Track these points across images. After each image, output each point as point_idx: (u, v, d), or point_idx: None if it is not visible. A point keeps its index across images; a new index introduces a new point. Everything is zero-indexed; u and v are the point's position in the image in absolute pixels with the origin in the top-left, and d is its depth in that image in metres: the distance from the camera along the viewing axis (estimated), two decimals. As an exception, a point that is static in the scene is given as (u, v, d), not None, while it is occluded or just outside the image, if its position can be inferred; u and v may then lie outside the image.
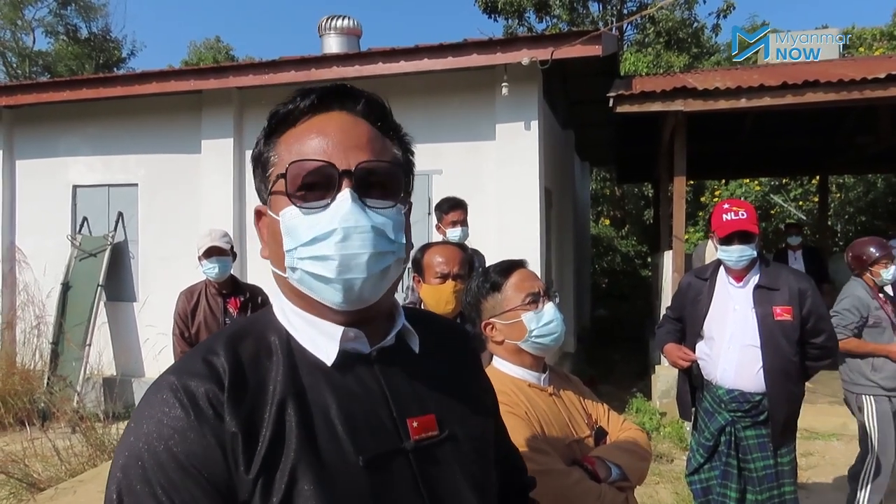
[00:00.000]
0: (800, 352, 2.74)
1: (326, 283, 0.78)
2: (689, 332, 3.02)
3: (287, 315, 0.85)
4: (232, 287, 3.61)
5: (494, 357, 1.65)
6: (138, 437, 0.72)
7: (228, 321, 3.49)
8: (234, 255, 3.59)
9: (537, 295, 1.58)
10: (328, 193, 0.78)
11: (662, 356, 3.21)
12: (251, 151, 0.89)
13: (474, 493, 0.87)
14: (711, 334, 2.90)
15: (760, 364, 2.71)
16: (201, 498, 0.70)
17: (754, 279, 2.80)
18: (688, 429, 5.47)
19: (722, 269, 2.90)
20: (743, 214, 2.73)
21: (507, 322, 1.58)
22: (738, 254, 2.73)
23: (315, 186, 0.79)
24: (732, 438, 2.77)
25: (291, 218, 0.79)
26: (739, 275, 2.82)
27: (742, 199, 13.12)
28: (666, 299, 6.46)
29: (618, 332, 11.08)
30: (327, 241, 0.77)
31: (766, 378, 2.70)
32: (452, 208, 3.79)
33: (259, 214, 0.88)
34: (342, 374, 0.81)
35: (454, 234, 3.74)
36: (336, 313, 0.82)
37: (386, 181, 0.82)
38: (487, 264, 1.77)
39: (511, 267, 1.64)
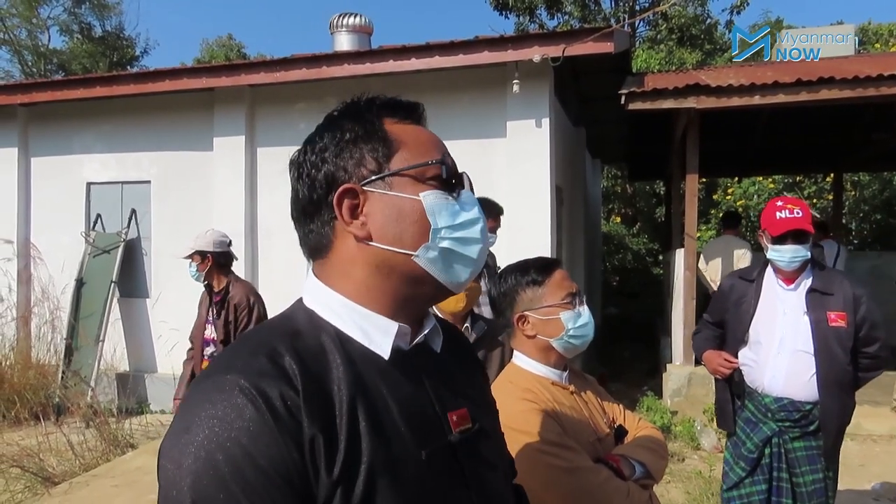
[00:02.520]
0: (853, 360, 2.59)
1: (464, 263, 0.86)
2: (730, 337, 2.83)
3: (333, 308, 0.84)
4: (218, 286, 3.74)
5: (516, 353, 1.65)
6: (206, 439, 0.67)
7: (210, 320, 3.72)
8: (203, 259, 3.66)
9: (575, 295, 1.60)
10: (456, 189, 0.88)
11: (703, 364, 3.01)
12: (336, 135, 0.86)
13: (503, 480, 0.95)
14: (758, 339, 2.71)
15: (813, 371, 2.56)
16: None
17: (806, 282, 2.64)
18: (697, 427, 5.44)
19: (769, 270, 2.74)
20: (798, 213, 2.56)
21: (544, 318, 1.58)
22: (791, 254, 2.57)
23: (454, 180, 0.88)
24: (780, 450, 2.62)
25: (438, 201, 0.84)
26: (790, 277, 2.66)
27: (755, 196, 13.03)
28: (678, 298, 6.42)
29: (629, 330, 11.03)
30: (475, 227, 0.87)
31: (820, 387, 2.55)
32: (492, 214, 3.83)
33: (346, 193, 0.83)
34: (393, 369, 0.83)
35: (491, 238, 3.79)
36: (413, 305, 0.87)
37: None
38: (498, 262, 1.77)
39: (552, 264, 1.66)
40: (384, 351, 0.82)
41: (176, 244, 6.83)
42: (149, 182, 7.05)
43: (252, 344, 0.78)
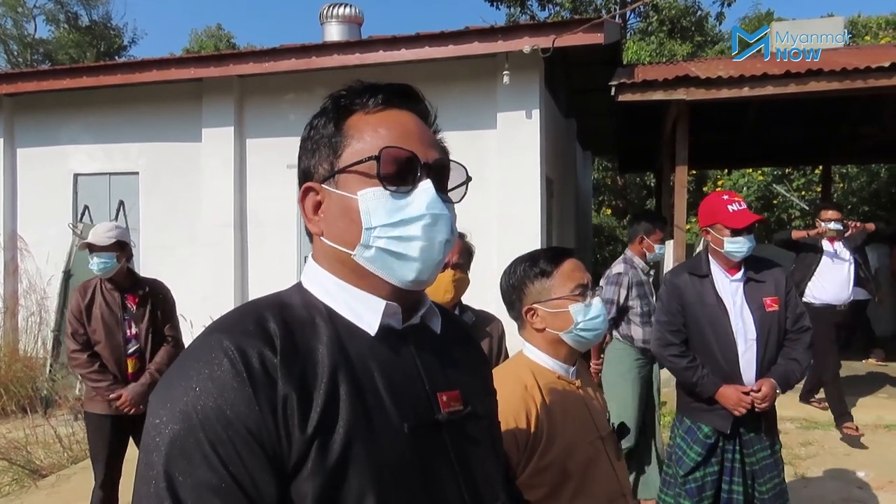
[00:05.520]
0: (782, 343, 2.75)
1: (405, 261, 0.84)
2: (709, 335, 2.76)
3: (327, 287, 0.87)
4: (130, 282, 3.42)
5: (525, 345, 1.61)
6: (184, 392, 0.72)
7: (127, 317, 3.33)
8: (124, 250, 3.34)
9: (586, 287, 1.55)
10: (408, 182, 0.84)
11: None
12: (307, 132, 0.90)
13: (494, 465, 0.95)
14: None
15: (757, 357, 2.68)
16: (248, 457, 0.70)
17: (743, 271, 2.77)
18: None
19: (714, 262, 2.80)
20: (746, 205, 2.71)
21: (553, 310, 1.53)
22: (749, 245, 2.68)
23: (400, 174, 0.84)
24: (734, 434, 2.70)
25: (375, 199, 0.83)
26: (736, 267, 2.77)
27: (745, 189, 13.10)
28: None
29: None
30: (414, 224, 0.83)
31: (758, 370, 2.66)
32: (664, 225, 3.95)
33: (308, 191, 0.88)
34: (381, 345, 0.84)
35: (661, 250, 3.93)
36: (390, 292, 0.86)
37: (447, 179, 0.91)
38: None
39: (562, 254, 1.60)
40: (372, 327, 0.84)
41: (165, 236, 6.82)
42: (137, 173, 7.00)
43: (242, 310, 0.82)
